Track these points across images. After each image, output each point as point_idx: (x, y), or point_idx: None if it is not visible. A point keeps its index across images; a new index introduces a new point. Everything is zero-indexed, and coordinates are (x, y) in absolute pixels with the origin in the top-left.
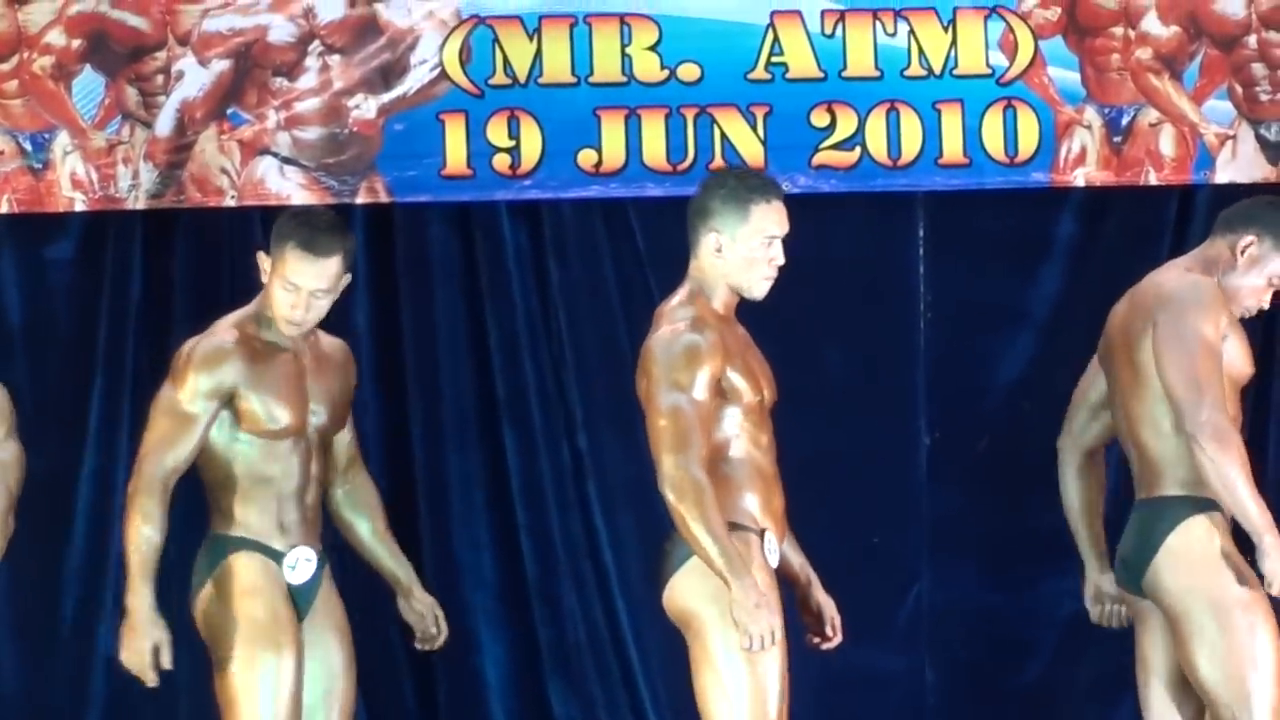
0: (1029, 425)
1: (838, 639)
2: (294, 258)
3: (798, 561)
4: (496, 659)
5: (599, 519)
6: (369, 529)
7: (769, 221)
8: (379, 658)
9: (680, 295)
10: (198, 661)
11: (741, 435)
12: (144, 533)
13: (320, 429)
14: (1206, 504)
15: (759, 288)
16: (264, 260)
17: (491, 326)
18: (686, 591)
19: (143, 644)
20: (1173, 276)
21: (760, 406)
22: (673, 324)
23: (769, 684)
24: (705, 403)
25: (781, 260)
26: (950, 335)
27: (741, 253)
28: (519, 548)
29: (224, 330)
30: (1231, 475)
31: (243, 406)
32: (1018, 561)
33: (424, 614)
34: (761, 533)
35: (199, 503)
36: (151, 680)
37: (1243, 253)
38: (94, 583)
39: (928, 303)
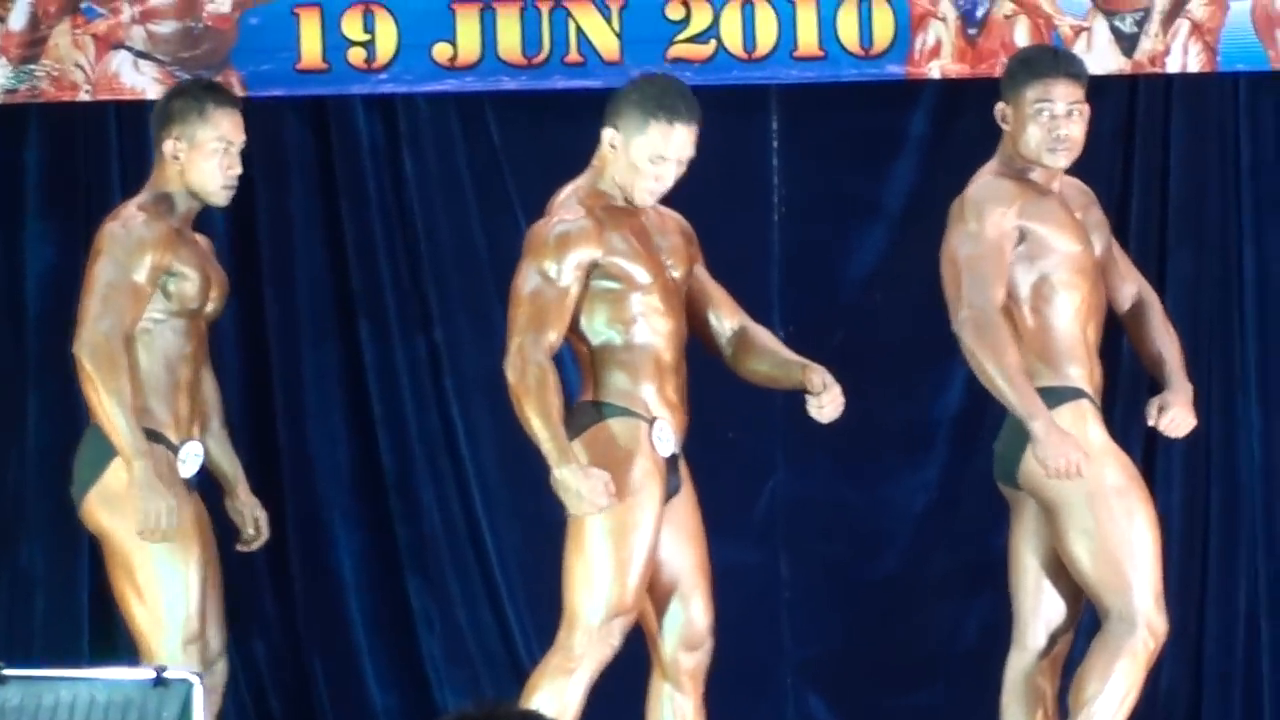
0: (882, 318)
1: (830, 394)
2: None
3: (779, 361)
4: (353, 555)
5: (455, 412)
6: (207, 424)
7: (662, 143)
8: (235, 555)
9: (572, 185)
10: (52, 556)
11: (639, 320)
12: (120, 404)
13: (214, 313)
14: (1071, 393)
15: (639, 198)
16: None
17: (347, 220)
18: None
19: (169, 502)
20: (968, 188)
21: (660, 290)
22: (556, 213)
23: (631, 571)
24: (567, 289)
25: (669, 182)
26: (804, 229)
27: (630, 159)
28: (375, 442)
29: (141, 209)
30: (987, 367)
31: (175, 284)
32: (872, 455)
33: (244, 514)
34: (652, 421)
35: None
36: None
37: (1004, 121)
38: None
39: (781, 196)
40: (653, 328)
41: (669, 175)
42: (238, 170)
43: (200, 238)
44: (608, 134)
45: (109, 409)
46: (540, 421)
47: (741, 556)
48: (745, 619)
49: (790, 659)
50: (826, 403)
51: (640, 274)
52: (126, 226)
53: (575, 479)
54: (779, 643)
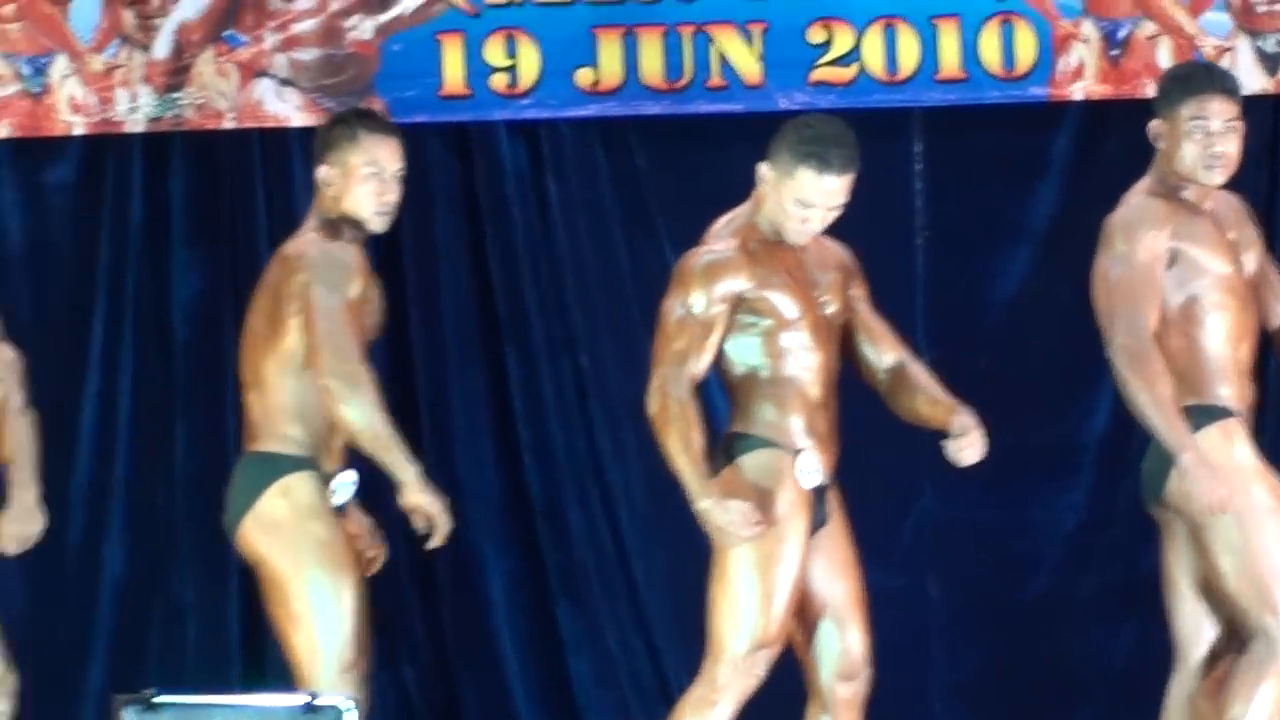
0: (1029, 341)
1: (969, 438)
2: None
3: (930, 399)
4: (502, 579)
5: (602, 436)
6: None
7: (808, 190)
8: (384, 581)
9: (730, 214)
10: (203, 584)
11: (786, 355)
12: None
13: (374, 340)
14: (1219, 412)
15: (789, 237)
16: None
17: (491, 245)
18: None
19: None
20: (1119, 208)
21: (810, 326)
22: (707, 243)
23: (775, 602)
24: (712, 321)
25: (818, 226)
26: (948, 253)
27: (780, 201)
28: (522, 467)
29: (320, 234)
30: (1139, 397)
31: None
32: (1020, 478)
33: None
34: (797, 452)
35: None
36: None
37: (1158, 140)
38: (100, 505)
39: (925, 220)
40: (800, 363)
41: (816, 220)
42: (392, 197)
43: None
44: (763, 169)
45: (379, 424)
46: (681, 455)
47: (890, 580)
48: (894, 642)
49: (940, 681)
50: (965, 447)
51: (789, 309)
52: (325, 252)
53: (716, 511)
54: (929, 665)
